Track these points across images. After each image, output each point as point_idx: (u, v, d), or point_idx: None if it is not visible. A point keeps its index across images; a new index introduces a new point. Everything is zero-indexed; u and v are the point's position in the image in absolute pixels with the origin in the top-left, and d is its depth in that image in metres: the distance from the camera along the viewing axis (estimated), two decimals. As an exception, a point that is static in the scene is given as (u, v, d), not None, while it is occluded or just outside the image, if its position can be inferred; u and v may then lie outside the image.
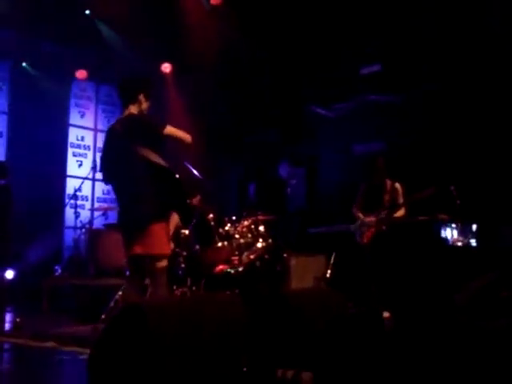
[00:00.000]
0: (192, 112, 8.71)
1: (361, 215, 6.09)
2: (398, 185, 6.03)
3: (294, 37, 8.36)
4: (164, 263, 3.99)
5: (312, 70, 8.72)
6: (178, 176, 4.06)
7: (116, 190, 4.19)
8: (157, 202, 3.95)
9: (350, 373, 2.54)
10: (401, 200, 5.95)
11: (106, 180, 4.24)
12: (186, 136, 4.10)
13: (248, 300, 3.32)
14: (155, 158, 3.98)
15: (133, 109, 4.13)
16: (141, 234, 3.88)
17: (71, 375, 4.11)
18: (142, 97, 4.14)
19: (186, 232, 5.80)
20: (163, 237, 3.97)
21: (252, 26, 8.22)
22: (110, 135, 4.14)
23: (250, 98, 9.15)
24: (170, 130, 4.03)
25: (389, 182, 6.05)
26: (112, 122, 4.33)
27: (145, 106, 4.18)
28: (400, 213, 5.89)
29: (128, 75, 4.38)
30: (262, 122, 9.24)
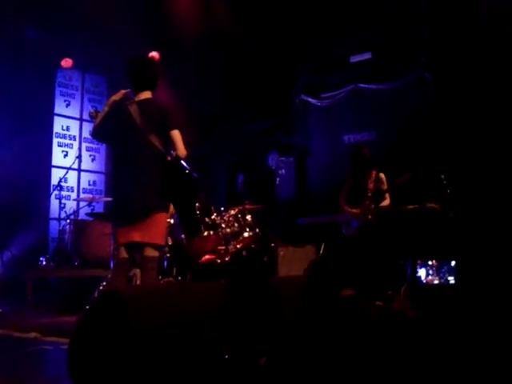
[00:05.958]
0: (180, 99, 8.58)
1: (347, 207, 6.03)
2: (382, 175, 6.01)
3: (283, 24, 8.26)
4: (157, 254, 3.96)
5: (302, 58, 8.63)
6: (194, 175, 4.03)
7: (119, 172, 4.02)
8: (164, 194, 3.92)
9: (330, 361, 2.46)
10: (385, 188, 5.91)
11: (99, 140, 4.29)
12: (183, 150, 3.89)
13: (232, 288, 3.23)
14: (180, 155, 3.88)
15: (148, 94, 3.99)
16: (143, 222, 3.81)
17: (52, 364, 4.04)
18: (157, 85, 4.05)
19: (172, 221, 5.69)
20: (163, 228, 3.98)
21: (242, 11, 8.09)
22: (124, 113, 3.92)
23: (240, 87, 9.04)
24: (176, 134, 3.87)
25: (374, 172, 6.01)
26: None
27: None
28: (385, 202, 5.87)
29: (150, 58, 4.28)
30: (251, 111, 9.13)
